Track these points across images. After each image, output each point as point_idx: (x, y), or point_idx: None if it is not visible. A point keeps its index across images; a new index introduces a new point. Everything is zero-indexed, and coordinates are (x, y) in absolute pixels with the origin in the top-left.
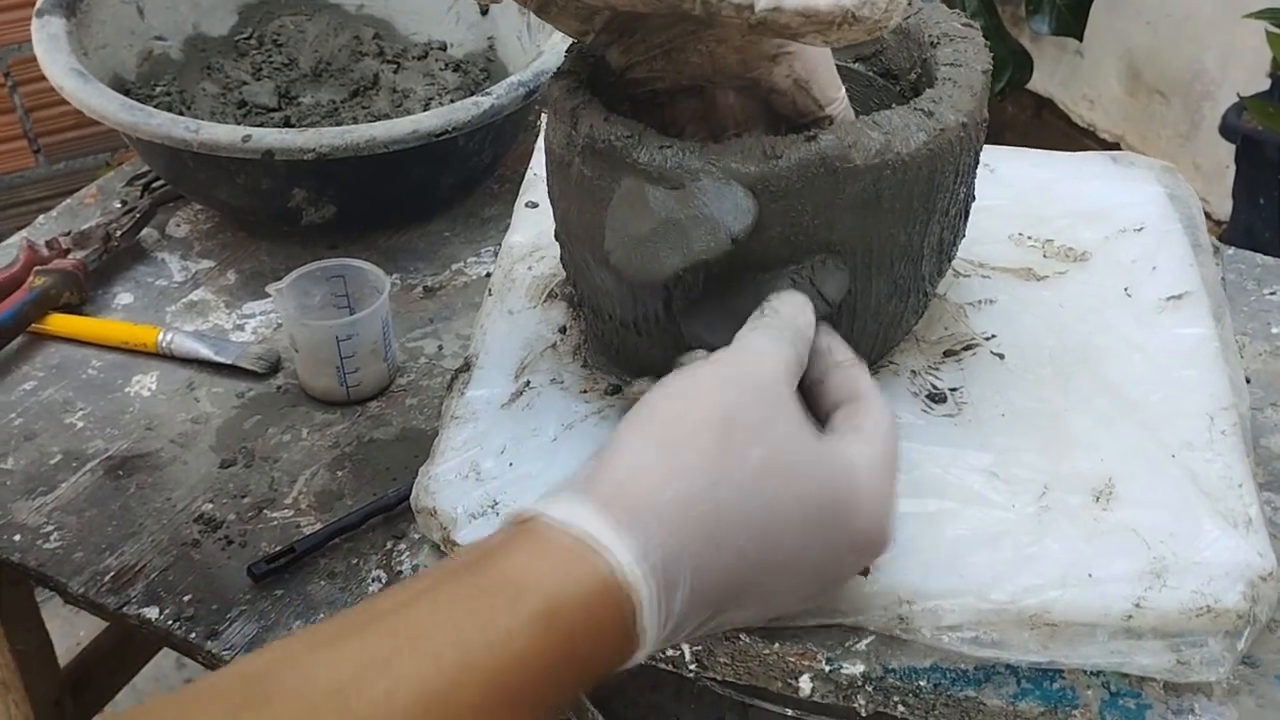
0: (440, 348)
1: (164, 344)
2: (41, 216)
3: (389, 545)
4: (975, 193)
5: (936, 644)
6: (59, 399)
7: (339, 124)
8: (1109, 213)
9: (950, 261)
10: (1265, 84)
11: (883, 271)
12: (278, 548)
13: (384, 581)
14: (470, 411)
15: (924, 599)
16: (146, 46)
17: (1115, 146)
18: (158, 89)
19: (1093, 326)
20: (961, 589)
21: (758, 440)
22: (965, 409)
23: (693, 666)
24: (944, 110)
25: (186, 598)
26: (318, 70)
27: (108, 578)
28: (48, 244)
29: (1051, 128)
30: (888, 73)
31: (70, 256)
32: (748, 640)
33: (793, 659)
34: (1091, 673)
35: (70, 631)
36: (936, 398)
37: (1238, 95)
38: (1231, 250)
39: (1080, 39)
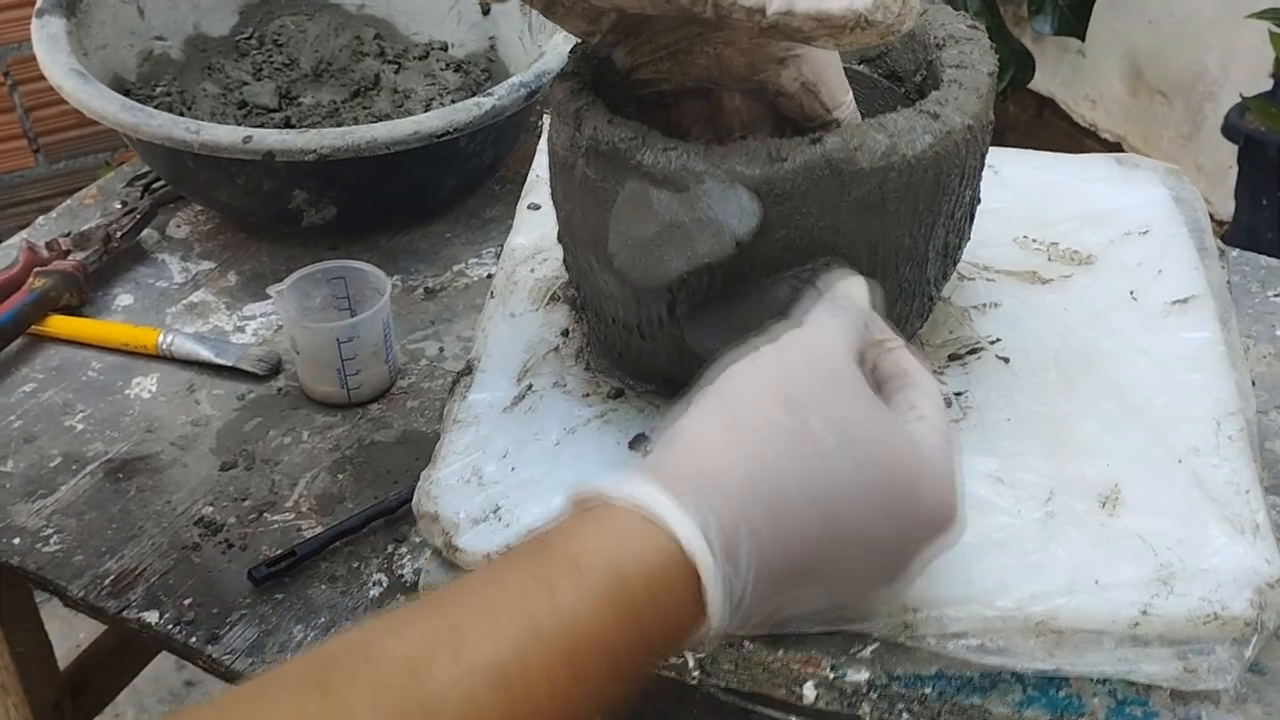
0: (441, 349)
1: (164, 346)
2: (41, 218)
3: (390, 549)
4: (980, 195)
5: (942, 651)
6: (59, 401)
7: (340, 124)
8: (1114, 216)
9: (955, 265)
10: (1267, 84)
11: (887, 275)
12: (278, 551)
13: (385, 585)
14: (472, 415)
15: (929, 606)
16: (147, 46)
17: (1117, 146)
18: (158, 89)
19: (1098, 330)
20: (967, 596)
21: (822, 415)
22: (970, 413)
23: (696, 673)
24: (949, 113)
25: (187, 601)
26: (318, 70)
27: (107, 581)
28: (47, 245)
29: (1053, 128)
30: (893, 74)
31: (70, 258)
32: (751, 646)
33: (797, 666)
34: (1098, 680)
35: (70, 633)
36: None
37: (1240, 96)
38: (1236, 252)
39: (1083, 39)
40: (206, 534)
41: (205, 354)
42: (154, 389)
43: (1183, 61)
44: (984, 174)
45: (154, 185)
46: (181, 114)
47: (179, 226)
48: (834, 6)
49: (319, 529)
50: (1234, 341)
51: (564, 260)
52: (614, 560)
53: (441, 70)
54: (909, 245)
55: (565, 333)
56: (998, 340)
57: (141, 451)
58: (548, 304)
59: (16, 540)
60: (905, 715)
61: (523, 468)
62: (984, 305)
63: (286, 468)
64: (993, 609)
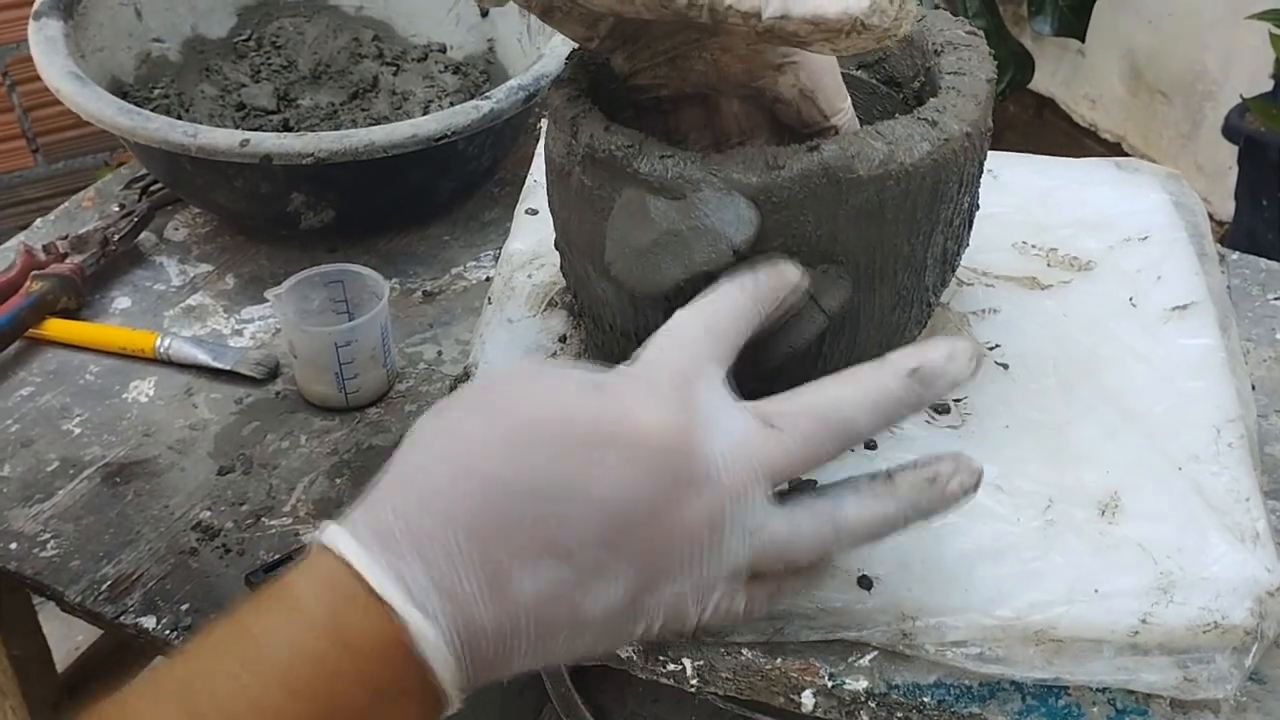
0: (440, 353)
1: (162, 349)
2: (39, 220)
3: None
4: (979, 201)
5: (941, 660)
6: (56, 405)
7: (338, 126)
8: (1113, 221)
9: (954, 271)
10: (1267, 85)
11: (885, 282)
12: (276, 556)
13: None
14: None
15: (928, 614)
16: (144, 48)
17: (1117, 146)
18: (156, 91)
19: (1097, 337)
20: (966, 604)
21: (461, 401)
22: (969, 420)
23: (694, 681)
24: (948, 120)
25: (184, 606)
26: (317, 72)
27: (105, 586)
28: (45, 248)
29: (1053, 127)
30: (891, 80)
31: (68, 261)
32: (749, 655)
33: (795, 674)
34: (1097, 689)
35: (69, 635)
36: (940, 409)
37: (1240, 96)
38: (1236, 256)
39: (1082, 39)
40: (204, 538)
41: (203, 357)
42: (151, 393)
43: (1183, 62)
44: (983, 178)
45: (152, 188)
46: (179, 116)
47: (177, 229)
48: (829, 10)
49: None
50: (1234, 347)
51: (561, 267)
52: (289, 580)
53: (440, 72)
54: (907, 253)
55: (563, 339)
56: (996, 346)
57: (139, 455)
58: (545, 310)
59: (13, 545)
60: None
61: None
62: (982, 311)
63: (284, 472)
64: (992, 617)
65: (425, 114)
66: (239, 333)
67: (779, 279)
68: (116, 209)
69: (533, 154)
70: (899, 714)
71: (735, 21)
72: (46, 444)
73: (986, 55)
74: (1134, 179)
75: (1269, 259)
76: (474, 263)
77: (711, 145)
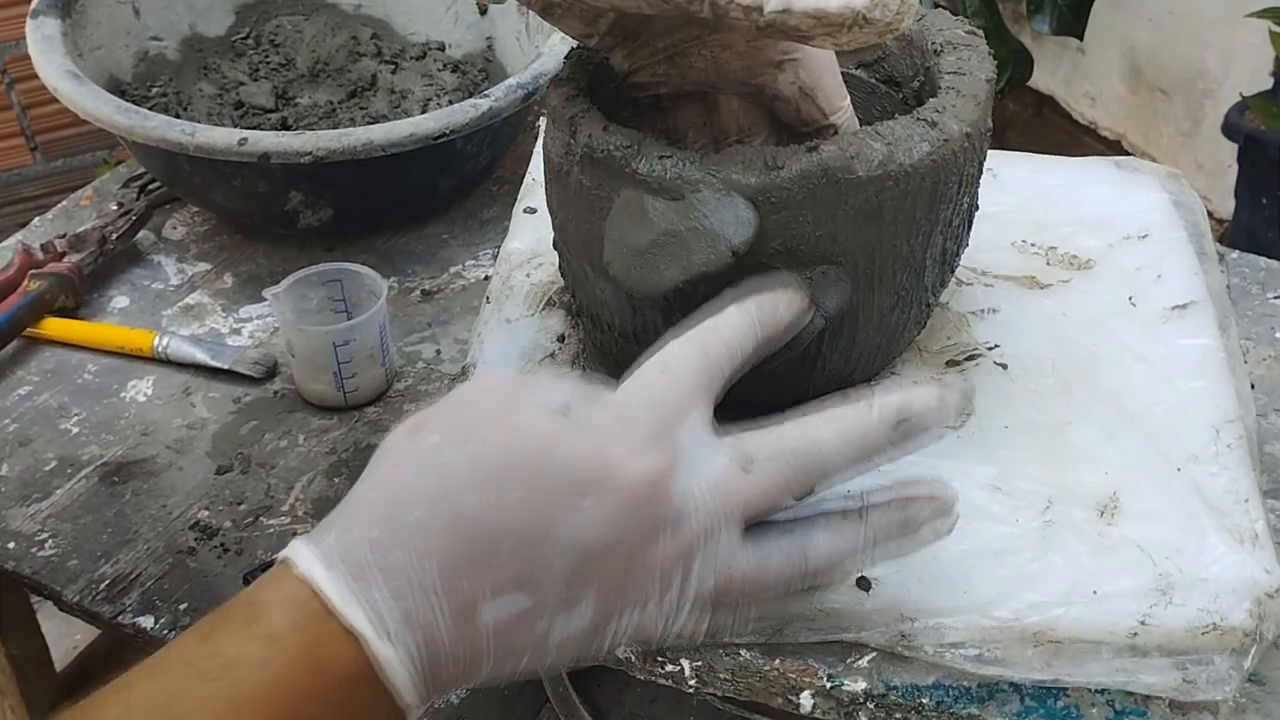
0: (438, 352)
1: (160, 348)
2: (37, 219)
3: None
4: (978, 201)
5: (939, 661)
6: (54, 404)
7: (336, 125)
8: (1113, 220)
9: (953, 271)
10: (1267, 83)
11: (885, 283)
12: (274, 556)
13: None
14: None
15: (927, 616)
16: (142, 47)
17: (1116, 144)
18: (154, 90)
19: (1096, 336)
20: (965, 606)
21: (436, 425)
22: (968, 421)
23: (693, 682)
24: (947, 120)
25: (182, 606)
26: (315, 71)
27: (103, 586)
28: (43, 247)
29: (1052, 125)
30: (890, 79)
31: (66, 260)
32: (748, 656)
33: (794, 675)
34: (1096, 691)
35: (67, 634)
36: None
37: (1240, 95)
38: (1235, 254)
39: (1081, 39)
40: (202, 538)
41: (201, 356)
42: (149, 392)
43: (1183, 60)
44: (982, 177)
45: (150, 187)
46: (177, 114)
47: (175, 228)
48: (831, 5)
49: None
50: (1233, 348)
51: (559, 266)
52: (253, 593)
53: (439, 70)
54: (906, 254)
55: (561, 338)
56: (996, 346)
57: (137, 455)
58: (543, 309)
59: (11, 545)
60: None
61: None
62: (982, 311)
63: (282, 471)
64: (990, 618)
65: (424, 112)
66: (237, 332)
67: (785, 306)
68: (114, 208)
69: (531, 152)
70: (897, 715)
71: (737, 16)
72: (44, 443)
73: (986, 55)
74: (1133, 178)
75: (1269, 257)
76: (472, 261)
77: (710, 143)
